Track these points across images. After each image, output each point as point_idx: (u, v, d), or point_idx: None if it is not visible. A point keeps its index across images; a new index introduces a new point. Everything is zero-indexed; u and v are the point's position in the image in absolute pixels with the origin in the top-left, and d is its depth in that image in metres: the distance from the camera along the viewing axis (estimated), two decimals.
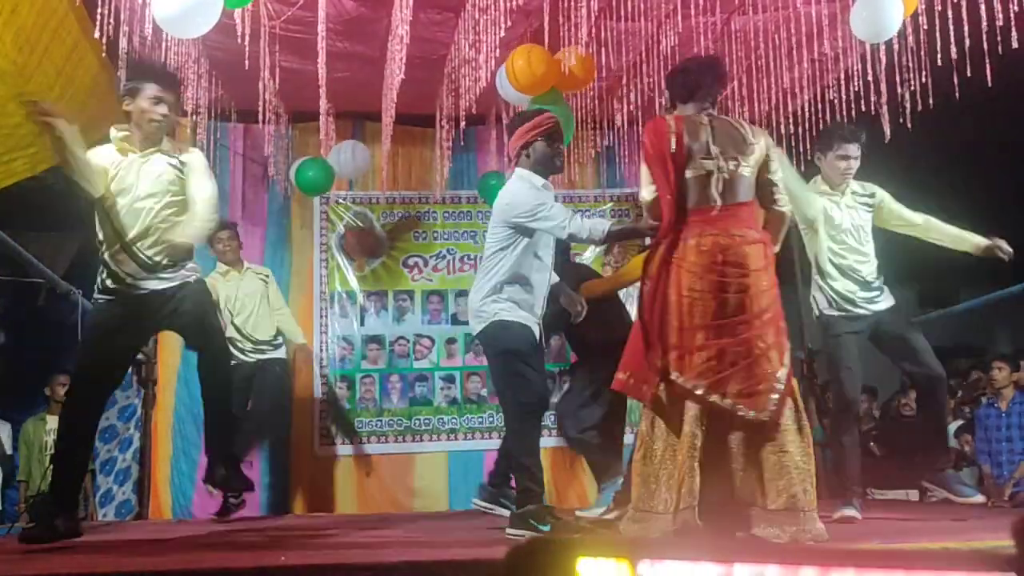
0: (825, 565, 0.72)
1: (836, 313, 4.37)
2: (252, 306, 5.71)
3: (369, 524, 4.90)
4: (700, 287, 3.08)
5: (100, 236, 3.65)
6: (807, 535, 2.93)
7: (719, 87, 3.48)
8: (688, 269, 3.10)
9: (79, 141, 3.52)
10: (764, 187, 3.30)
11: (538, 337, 3.81)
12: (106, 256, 3.62)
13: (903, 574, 0.74)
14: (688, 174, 3.19)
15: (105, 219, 3.62)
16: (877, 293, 4.37)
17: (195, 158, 3.76)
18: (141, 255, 3.59)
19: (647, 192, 3.32)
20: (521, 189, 3.75)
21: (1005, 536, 0.86)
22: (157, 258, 3.61)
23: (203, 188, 3.70)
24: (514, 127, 3.95)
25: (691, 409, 3.05)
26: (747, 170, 3.22)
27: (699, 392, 3.04)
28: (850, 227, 4.39)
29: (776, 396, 3.03)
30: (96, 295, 3.68)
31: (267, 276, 5.97)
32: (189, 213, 3.66)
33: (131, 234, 3.58)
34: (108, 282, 3.61)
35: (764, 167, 3.29)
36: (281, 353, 5.82)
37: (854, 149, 4.38)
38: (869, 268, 4.38)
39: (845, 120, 5.34)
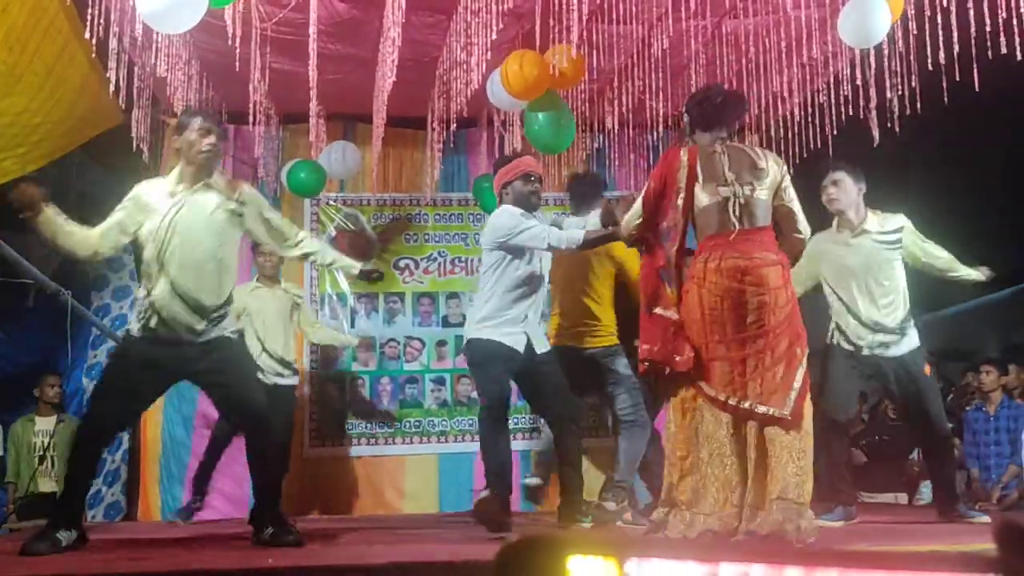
0: (809, 565, 0.73)
1: (840, 344, 4.38)
2: (276, 324, 5.64)
3: (359, 526, 4.90)
4: (722, 305, 3.25)
5: (146, 271, 3.60)
6: (791, 525, 3.00)
7: (739, 119, 3.67)
8: (710, 289, 3.27)
9: (59, 222, 3.56)
10: (784, 216, 3.46)
11: (518, 346, 4.09)
12: (151, 295, 3.54)
13: (886, 575, 0.75)
14: (705, 201, 3.36)
15: (152, 257, 3.56)
16: (894, 337, 4.30)
17: (253, 194, 3.79)
18: (186, 294, 3.52)
19: (632, 220, 3.55)
20: (502, 216, 4.19)
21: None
22: (202, 300, 3.55)
23: (285, 223, 3.90)
24: (496, 169, 4.40)
25: (723, 417, 3.24)
26: (763, 193, 3.37)
27: (722, 398, 3.23)
28: (859, 269, 4.33)
29: (794, 394, 3.19)
30: (135, 330, 3.59)
31: (299, 297, 5.90)
32: (321, 251, 3.94)
33: (175, 272, 3.52)
34: (150, 322, 3.53)
35: (780, 193, 3.44)
36: (294, 380, 5.78)
37: (836, 174, 4.38)
38: (887, 311, 4.29)
39: (834, 124, 5.39)
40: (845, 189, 4.37)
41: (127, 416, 3.76)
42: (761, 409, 3.17)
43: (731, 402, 3.21)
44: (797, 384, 3.21)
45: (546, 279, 4.34)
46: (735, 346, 3.24)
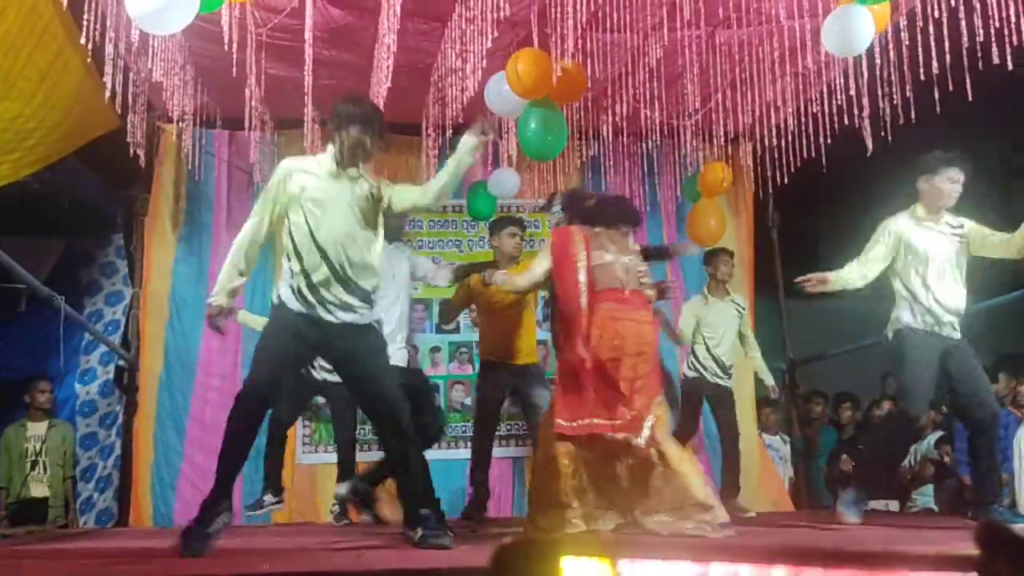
0: (796, 564, 0.74)
1: (919, 327, 4.48)
2: None
3: (352, 532, 4.89)
4: (613, 354, 3.95)
5: (296, 254, 3.59)
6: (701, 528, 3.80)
7: (622, 221, 4.34)
8: (608, 340, 3.96)
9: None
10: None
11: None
12: (301, 275, 3.56)
13: (868, 573, 0.76)
14: (596, 261, 4.11)
15: (306, 238, 3.57)
16: (958, 320, 4.51)
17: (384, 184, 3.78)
18: (336, 275, 3.55)
19: (526, 281, 4.36)
20: None
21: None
22: (352, 279, 3.57)
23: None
24: None
25: (589, 441, 3.98)
26: (638, 265, 4.19)
27: (608, 426, 3.93)
28: (938, 256, 4.51)
29: (650, 424, 3.94)
30: (284, 305, 3.59)
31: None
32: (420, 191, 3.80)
33: (328, 253, 3.56)
34: (305, 294, 3.55)
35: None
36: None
37: (958, 173, 4.50)
38: (952, 300, 4.49)
39: (827, 133, 5.42)
40: (960, 187, 4.53)
41: (278, 390, 3.64)
42: (633, 441, 3.88)
43: (610, 433, 3.92)
44: (653, 417, 3.96)
45: (397, 310, 4.88)
46: (616, 388, 3.94)
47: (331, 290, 3.54)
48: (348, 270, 3.57)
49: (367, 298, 3.64)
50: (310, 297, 3.54)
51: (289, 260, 3.61)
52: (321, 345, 3.63)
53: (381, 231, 3.77)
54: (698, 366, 6.11)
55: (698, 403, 6.17)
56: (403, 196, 3.73)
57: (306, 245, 3.56)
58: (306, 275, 3.54)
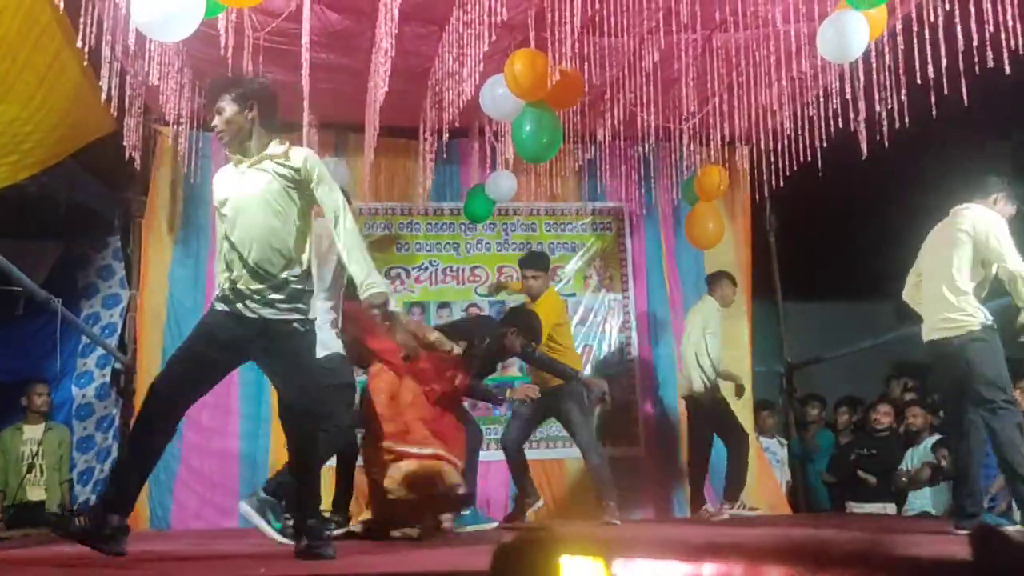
0: (789, 564, 0.75)
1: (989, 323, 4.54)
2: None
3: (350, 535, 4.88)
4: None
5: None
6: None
7: None
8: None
9: None
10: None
11: None
12: (225, 279, 3.51)
13: (863, 573, 0.76)
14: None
15: (224, 241, 3.54)
16: None
17: (300, 156, 3.60)
18: (252, 271, 3.44)
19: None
20: None
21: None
22: (269, 272, 3.44)
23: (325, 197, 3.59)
24: None
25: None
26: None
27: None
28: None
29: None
30: (211, 306, 3.57)
31: None
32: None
33: (235, 239, 3.49)
34: (227, 293, 3.47)
35: None
36: None
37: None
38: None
39: (823, 137, 5.44)
40: None
41: (192, 393, 3.50)
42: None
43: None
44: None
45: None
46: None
47: (250, 286, 3.43)
48: (265, 264, 3.44)
49: (290, 292, 3.47)
50: (230, 295, 3.45)
51: (219, 265, 3.58)
52: (244, 343, 3.47)
53: (312, 210, 3.61)
54: (706, 379, 6.10)
55: (711, 420, 6.15)
56: (324, 203, 3.57)
57: (226, 247, 3.50)
58: (228, 277, 3.48)
